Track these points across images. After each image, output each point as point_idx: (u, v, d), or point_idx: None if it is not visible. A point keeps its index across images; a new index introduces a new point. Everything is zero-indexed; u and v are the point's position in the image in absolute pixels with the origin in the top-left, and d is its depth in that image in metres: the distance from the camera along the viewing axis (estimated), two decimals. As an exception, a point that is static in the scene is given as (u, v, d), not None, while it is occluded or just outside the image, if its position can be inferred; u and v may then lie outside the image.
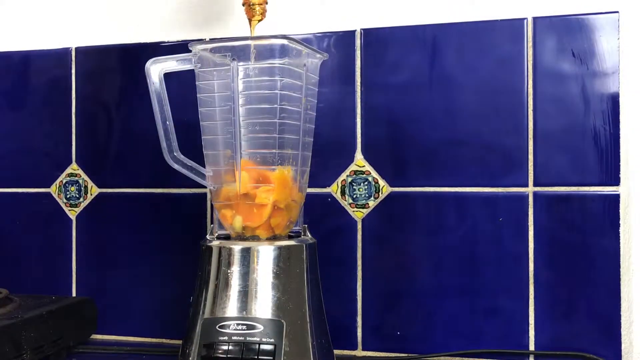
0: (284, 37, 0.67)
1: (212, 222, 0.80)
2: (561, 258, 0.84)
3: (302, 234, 0.77)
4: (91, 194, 1.02)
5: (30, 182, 1.04)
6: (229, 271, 0.70)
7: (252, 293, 0.69)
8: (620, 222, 0.83)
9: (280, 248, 0.70)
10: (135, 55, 0.99)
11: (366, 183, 0.91)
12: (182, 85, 0.95)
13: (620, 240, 0.83)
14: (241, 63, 0.69)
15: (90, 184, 1.02)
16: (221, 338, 0.68)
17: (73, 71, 1.03)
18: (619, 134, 0.83)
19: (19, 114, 1.05)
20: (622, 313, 0.83)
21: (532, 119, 0.85)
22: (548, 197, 0.85)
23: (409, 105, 0.89)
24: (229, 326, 0.68)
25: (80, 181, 1.02)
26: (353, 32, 0.91)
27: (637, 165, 0.84)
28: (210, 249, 0.72)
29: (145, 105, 0.98)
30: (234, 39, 0.68)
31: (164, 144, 0.74)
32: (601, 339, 0.83)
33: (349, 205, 0.91)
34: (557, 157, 0.84)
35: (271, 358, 0.66)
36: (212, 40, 0.68)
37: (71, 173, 1.03)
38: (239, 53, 0.69)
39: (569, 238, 0.84)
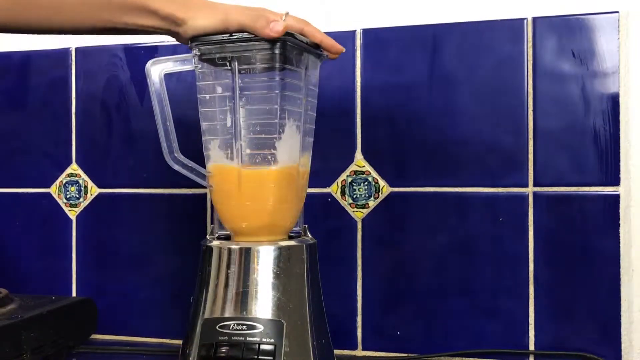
0: (285, 36, 0.67)
1: (212, 222, 0.80)
2: (561, 258, 0.84)
3: (302, 234, 0.76)
4: (91, 194, 1.02)
5: (30, 182, 1.04)
6: (229, 271, 0.70)
7: (252, 293, 0.69)
8: (620, 222, 0.83)
9: (280, 248, 0.70)
10: (135, 55, 0.99)
11: (366, 183, 0.91)
12: (182, 85, 0.95)
13: (620, 240, 0.83)
14: (241, 63, 0.69)
15: (90, 184, 1.02)
16: (221, 338, 0.68)
17: (73, 71, 1.03)
18: (619, 134, 0.83)
19: (19, 114, 1.05)
20: (622, 313, 0.83)
21: (532, 119, 0.85)
22: (548, 197, 0.85)
23: (409, 105, 0.89)
24: (229, 326, 0.68)
25: (80, 181, 1.02)
26: (353, 32, 0.91)
27: (637, 165, 0.84)
28: (210, 249, 0.72)
29: (145, 105, 0.99)
30: (234, 39, 0.68)
31: (164, 145, 0.74)
32: (601, 339, 0.83)
33: (349, 205, 0.91)
34: (557, 157, 0.84)
35: (271, 358, 0.66)
36: (212, 40, 0.68)
37: (71, 173, 1.03)
38: (240, 53, 0.69)
39: (569, 238, 0.84)
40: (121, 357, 0.91)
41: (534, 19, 0.85)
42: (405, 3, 0.91)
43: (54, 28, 0.70)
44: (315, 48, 0.72)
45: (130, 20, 0.68)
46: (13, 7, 0.69)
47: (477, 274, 0.87)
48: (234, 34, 0.67)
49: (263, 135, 0.70)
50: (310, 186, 0.79)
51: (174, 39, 0.72)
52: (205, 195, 0.96)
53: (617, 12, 0.83)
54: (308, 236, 0.75)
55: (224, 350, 0.67)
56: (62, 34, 0.73)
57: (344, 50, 0.74)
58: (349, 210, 0.91)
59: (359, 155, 0.91)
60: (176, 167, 0.75)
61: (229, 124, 0.71)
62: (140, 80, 0.99)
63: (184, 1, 0.68)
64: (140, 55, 0.99)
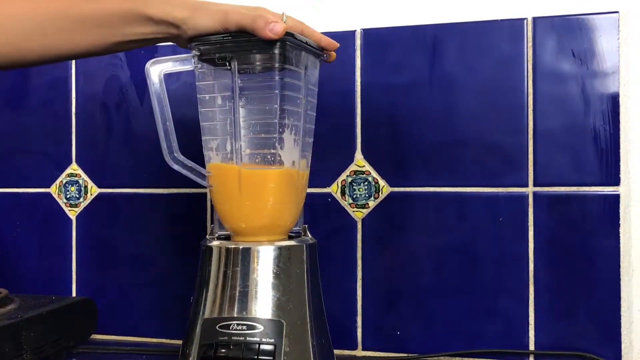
0: (284, 36, 0.67)
1: (212, 222, 0.80)
2: (561, 258, 0.84)
3: (302, 234, 0.76)
4: (91, 194, 1.02)
5: (30, 182, 1.04)
6: (229, 271, 0.70)
7: (252, 293, 0.69)
8: (620, 222, 0.83)
9: (280, 248, 0.70)
10: (135, 55, 0.99)
11: (366, 183, 0.91)
12: (182, 85, 0.95)
13: (620, 240, 0.83)
14: (241, 63, 0.69)
15: (90, 184, 1.02)
16: (221, 338, 0.68)
17: (73, 71, 1.03)
18: (619, 134, 0.83)
19: (19, 114, 1.05)
20: (622, 313, 0.83)
21: (532, 119, 0.85)
22: (548, 197, 0.85)
23: (409, 105, 0.89)
24: (229, 326, 0.68)
25: (80, 181, 1.02)
26: (353, 32, 0.91)
27: (637, 165, 0.84)
28: (210, 249, 0.72)
29: (145, 105, 0.99)
30: (233, 39, 0.68)
31: (164, 145, 0.74)
32: (601, 339, 0.83)
33: (349, 205, 0.91)
34: (557, 157, 0.84)
35: (271, 358, 0.66)
36: (212, 40, 0.68)
37: (71, 173, 1.03)
38: (239, 53, 0.69)
39: (569, 238, 0.84)
40: (121, 357, 0.91)
41: (534, 19, 0.85)
42: (405, 3, 0.91)
43: (55, 54, 0.69)
44: (315, 47, 0.72)
45: (130, 30, 0.67)
46: (8, 41, 0.67)
47: (477, 274, 0.87)
48: (233, 34, 0.67)
49: (263, 135, 0.70)
50: (310, 186, 0.79)
51: (173, 40, 0.72)
52: (205, 195, 0.96)
53: (617, 12, 0.83)
54: (308, 236, 0.75)
55: (224, 350, 0.67)
56: (62, 61, 0.72)
57: (338, 45, 0.74)
58: (349, 210, 0.91)
59: (359, 155, 0.91)
60: (176, 167, 0.75)
61: (228, 124, 0.71)
62: (140, 80, 0.99)
63: (182, 2, 0.68)
64: (140, 55, 0.99)
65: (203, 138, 0.73)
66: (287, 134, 0.71)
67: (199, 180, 0.75)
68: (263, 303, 0.69)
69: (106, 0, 0.68)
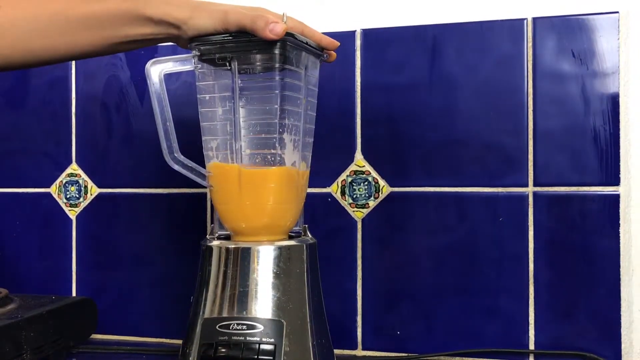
0: (284, 36, 0.67)
1: (212, 222, 0.80)
2: (561, 258, 0.84)
3: (302, 234, 0.76)
4: (91, 194, 1.02)
5: (30, 182, 1.04)
6: (229, 271, 0.70)
7: (252, 293, 0.69)
8: (620, 222, 0.83)
9: (280, 248, 0.70)
10: (135, 55, 0.99)
11: (366, 183, 0.91)
12: (182, 85, 0.95)
13: (620, 240, 0.83)
14: (241, 63, 0.69)
15: (90, 184, 1.02)
16: (221, 338, 0.68)
17: (73, 71, 1.03)
18: (619, 134, 0.83)
19: (19, 114, 1.05)
20: (622, 313, 0.83)
21: (532, 119, 0.85)
22: (548, 197, 0.85)
23: (409, 105, 0.89)
24: (229, 326, 0.68)
25: (80, 181, 1.02)
26: (353, 32, 0.91)
27: (637, 165, 0.84)
28: (210, 249, 0.72)
29: (145, 105, 0.99)
30: (233, 40, 0.68)
31: (164, 145, 0.74)
32: (601, 339, 0.83)
33: (349, 205, 0.91)
34: (557, 157, 0.84)
35: (271, 358, 0.66)
36: (212, 40, 0.68)
37: (71, 173, 1.03)
38: (239, 53, 0.69)
39: (569, 238, 0.84)
40: (121, 357, 0.91)
41: (534, 19, 0.85)
42: (405, 3, 0.91)
43: (56, 55, 0.69)
44: (315, 47, 0.72)
45: (130, 30, 0.68)
46: (10, 43, 0.67)
47: (477, 274, 0.87)
48: (233, 34, 0.67)
49: (263, 135, 0.70)
50: (310, 186, 0.79)
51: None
52: (205, 195, 0.96)
53: (617, 12, 0.83)
54: (308, 236, 0.75)
55: (224, 350, 0.67)
56: (63, 62, 0.72)
57: (339, 44, 0.74)
58: (349, 210, 0.91)
59: (359, 155, 0.91)
60: (176, 167, 0.75)
61: (228, 124, 0.71)
62: (140, 80, 0.99)
63: (182, 2, 0.68)
64: (140, 55, 0.99)
65: (203, 138, 0.73)
66: (287, 134, 0.71)
67: (199, 180, 0.75)
68: (263, 303, 0.69)
69: (106, 1, 0.68)
